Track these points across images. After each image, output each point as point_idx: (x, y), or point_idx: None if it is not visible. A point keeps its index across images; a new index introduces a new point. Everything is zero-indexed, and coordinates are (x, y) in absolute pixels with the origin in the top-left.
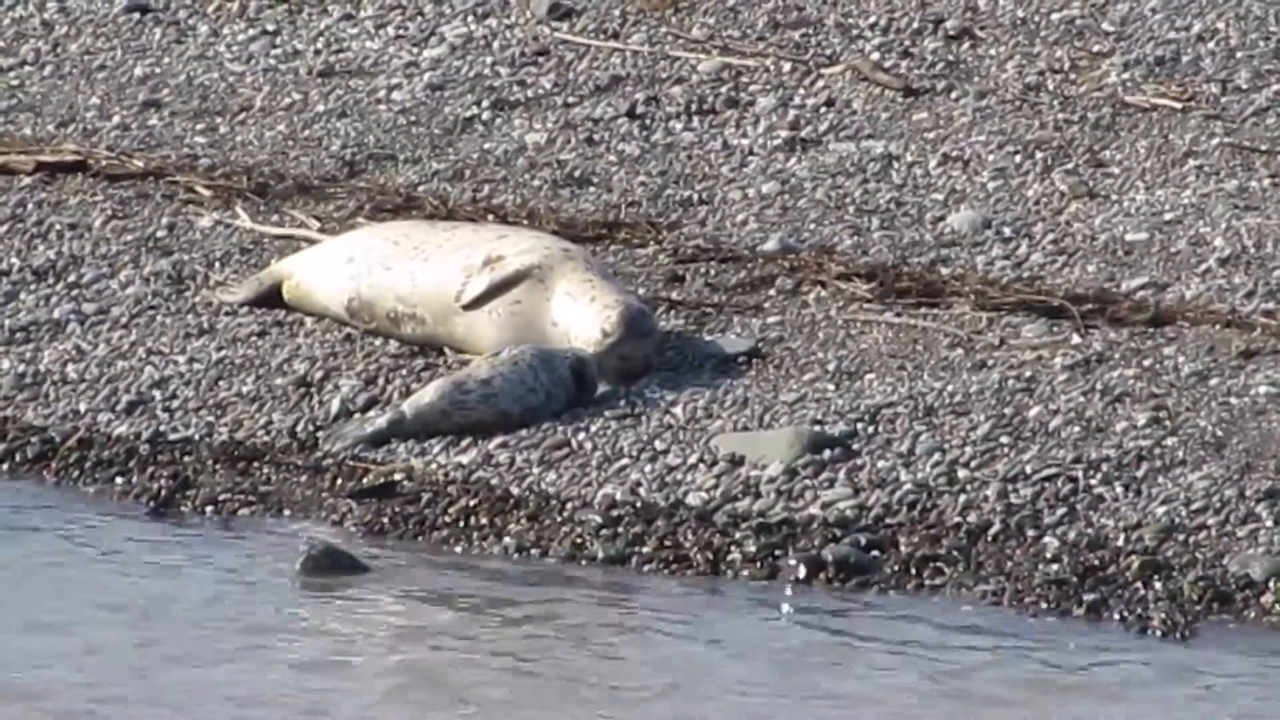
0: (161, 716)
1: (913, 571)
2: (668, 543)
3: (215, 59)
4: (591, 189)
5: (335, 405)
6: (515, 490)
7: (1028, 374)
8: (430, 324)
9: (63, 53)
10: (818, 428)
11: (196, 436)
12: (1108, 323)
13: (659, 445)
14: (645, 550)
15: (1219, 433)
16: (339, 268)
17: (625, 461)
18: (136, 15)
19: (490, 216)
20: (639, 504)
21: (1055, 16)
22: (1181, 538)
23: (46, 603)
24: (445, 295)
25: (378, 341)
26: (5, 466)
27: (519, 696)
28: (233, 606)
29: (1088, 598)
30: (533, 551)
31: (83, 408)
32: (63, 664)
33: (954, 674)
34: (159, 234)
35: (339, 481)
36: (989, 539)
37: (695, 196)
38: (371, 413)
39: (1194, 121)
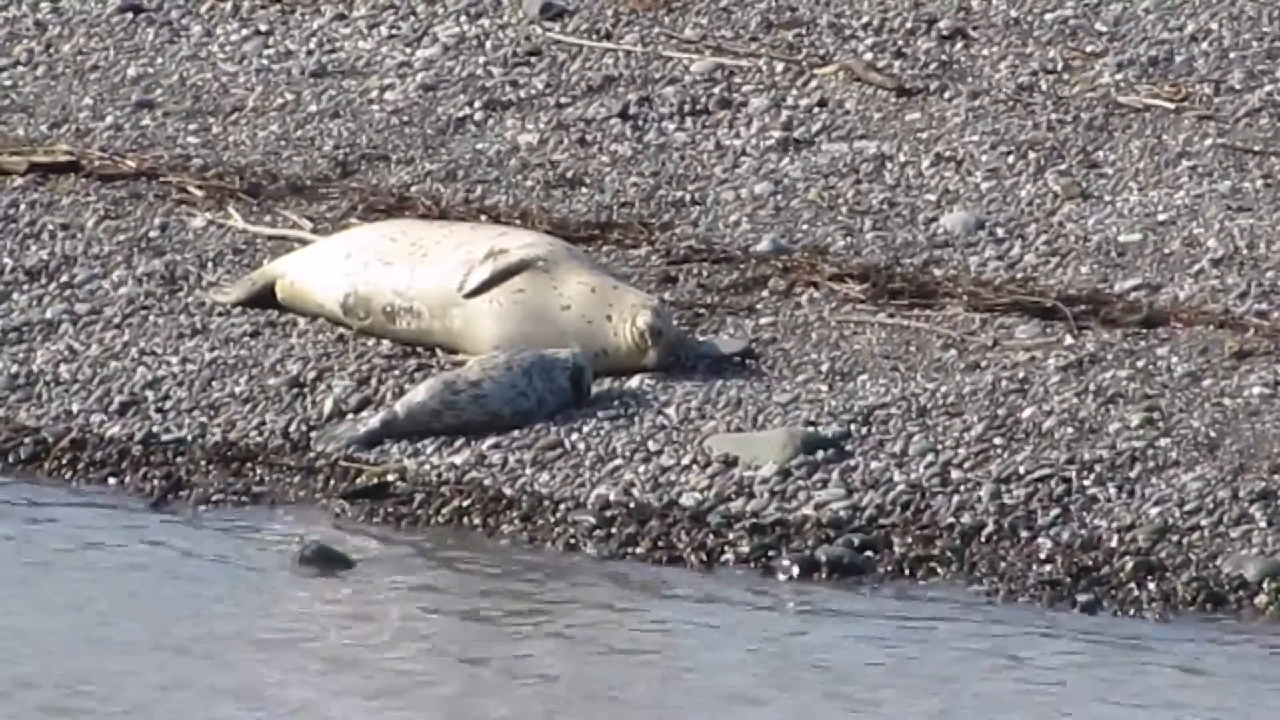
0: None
1: (906, 572)
2: (661, 543)
3: (208, 59)
4: (584, 190)
5: (328, 406)
6: (508, 491)
7: (1021, 375)
8: (426, 318)
9: (56, 53)
10: (811, 428)
11: (189, 437)
12: (1101, 324)
13: (652, 446)
14: (639, 551)
15: (1212, 434)
16: (335, 265)
17: (619, 462)
18: (129, 15)
19: (483, 217)
20: (632, 504)
21: (1048, 17)
22: (1175, 539)
23: (27, 605)
24: (444, 290)
25: (370, 342)
26: None
27: (509, 696)
28: (223, 605)
29: (1081, 598)
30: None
31: (75, 408)
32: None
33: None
34: (152, 234)
35: (332, 482)
36: (982, 540)
37: (688, 197)
38: (365, 413)
39: (1187, 122)
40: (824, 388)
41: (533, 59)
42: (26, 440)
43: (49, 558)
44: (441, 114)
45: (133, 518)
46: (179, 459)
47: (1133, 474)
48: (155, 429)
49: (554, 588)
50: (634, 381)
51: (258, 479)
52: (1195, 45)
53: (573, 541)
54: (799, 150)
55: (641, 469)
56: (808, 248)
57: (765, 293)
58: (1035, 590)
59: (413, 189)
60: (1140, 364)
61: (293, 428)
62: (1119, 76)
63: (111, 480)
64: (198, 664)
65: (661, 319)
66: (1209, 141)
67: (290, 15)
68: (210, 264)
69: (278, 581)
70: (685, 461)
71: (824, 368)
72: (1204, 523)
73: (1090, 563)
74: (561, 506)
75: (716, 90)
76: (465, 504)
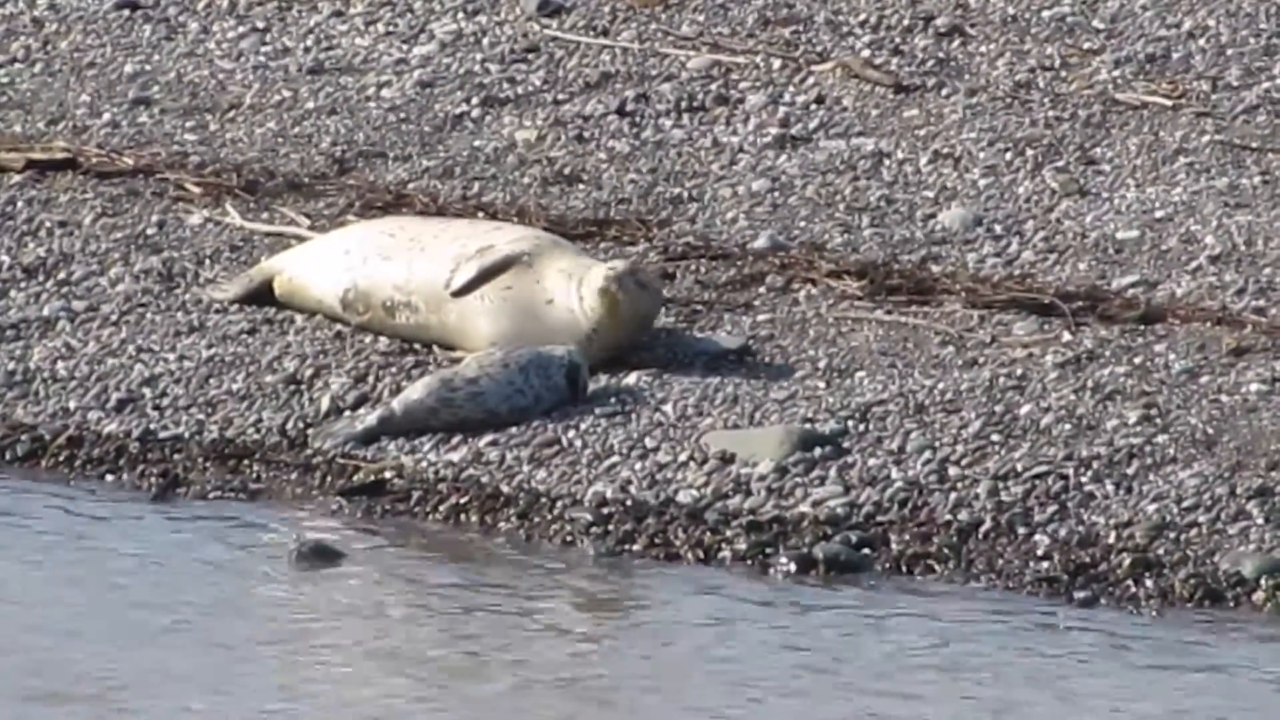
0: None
1: (904, 569)
2: (658, 540)
3: (205, 56)
4: (581, 186)
5: (325, 403)
6: (505, 488)
7: (1019, 371)
8: (424, 312)
9: (53, 50)
10: (808, 425)
11: (187, 434)
12: (1099, 320)
13: (649, 443)
14: (636, 548)
15: (1210, 430)
16: (335, 260)
17: (615, 459)
18: (126, 12)
19: (480, 214)
20: (629, 502)
21: (1046, 14)
22: (1173, 535)
23: (37, 599)
24: (439, 285)
25: (368, 339)
26: None
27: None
28: (218, 600)
29: (1079, 595)
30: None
31: (73, 405)
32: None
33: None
34: (149, 231)
35: (329, 479)
36: (980, 536)
37: (685, 194)
38: (362, 410)
39: (1185, 119)
40: (821, 384)
41: (530, 56)
42: (24, 437)
43: (45, 555)
44: (439, 111)
45: (130, 514)
46: (176, 456)
47: (1130, 471)
48: (153, 426)
49: (550, 584)
50: (631, 378)
51: (255, 476)
52: (1193, 42)
53: (570, 538)
54: (796, 147)
55: (638, 466)
56: (805, 244)
57: (763, 289)
58: (1033, 587)
59: (410, 186)
60: (1138, 360)
61: (290, 425)
62: (1116, 73)
63: (109, 477)
64: (193, 659)
65: (619, 270)
66: (1206, 138)
67: (287, 12)
68: (208, 261)
69: (273, 578)
70: (682, 458)
71: (821, 364)
72: (1201, 519)
73: (1088, 559)
74: (558, 504)
75: (714, 87)
76: (462, 501)
